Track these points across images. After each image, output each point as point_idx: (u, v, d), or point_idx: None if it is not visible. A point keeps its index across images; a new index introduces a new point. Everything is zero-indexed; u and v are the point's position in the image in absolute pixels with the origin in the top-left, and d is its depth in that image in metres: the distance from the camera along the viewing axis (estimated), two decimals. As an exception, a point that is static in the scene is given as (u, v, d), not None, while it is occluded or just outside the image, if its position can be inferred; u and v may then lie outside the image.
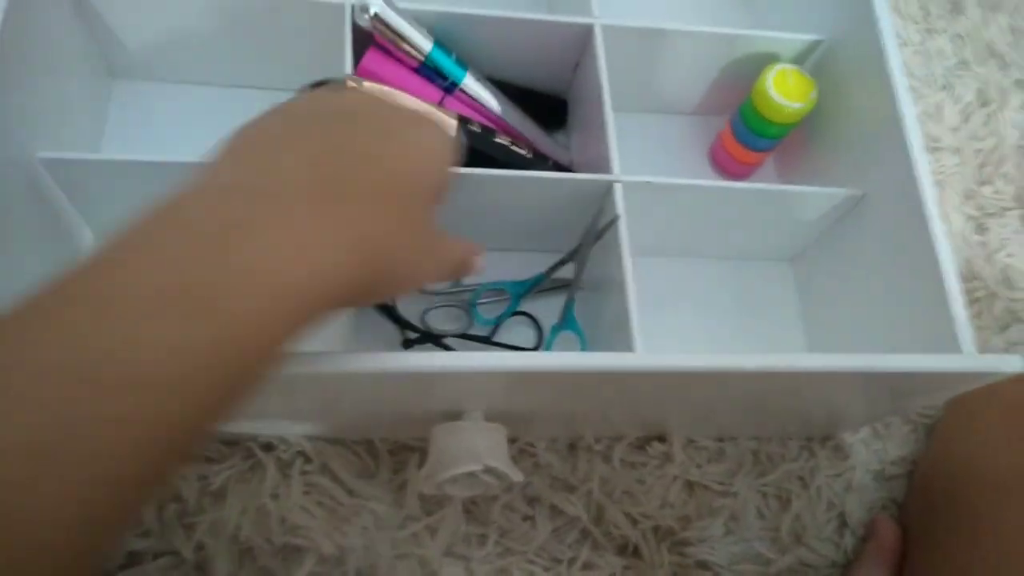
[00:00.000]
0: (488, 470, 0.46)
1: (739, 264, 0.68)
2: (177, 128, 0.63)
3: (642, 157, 0.66)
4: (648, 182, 0.56)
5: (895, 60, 0.56)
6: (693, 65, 0.66)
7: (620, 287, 0.52)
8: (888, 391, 0.53)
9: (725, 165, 0.70)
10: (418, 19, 0.57)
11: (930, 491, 0.61)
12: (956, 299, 0.50)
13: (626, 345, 0.50)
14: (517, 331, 0.63)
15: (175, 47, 0.61)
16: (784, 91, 0.61)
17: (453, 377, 0.43)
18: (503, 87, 0.65)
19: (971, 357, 0.47)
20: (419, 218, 0.35)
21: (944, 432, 0.64)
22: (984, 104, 0.79)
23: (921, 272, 0.52)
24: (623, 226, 0.54)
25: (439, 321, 0.61)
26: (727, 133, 0.68)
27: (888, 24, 0.57)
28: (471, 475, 0.47)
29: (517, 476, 0.47)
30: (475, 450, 0.46)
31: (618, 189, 0.55)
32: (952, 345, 0.49)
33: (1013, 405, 0.57)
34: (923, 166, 0.53)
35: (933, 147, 0.77)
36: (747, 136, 0.66)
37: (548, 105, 0.68)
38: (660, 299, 0.65)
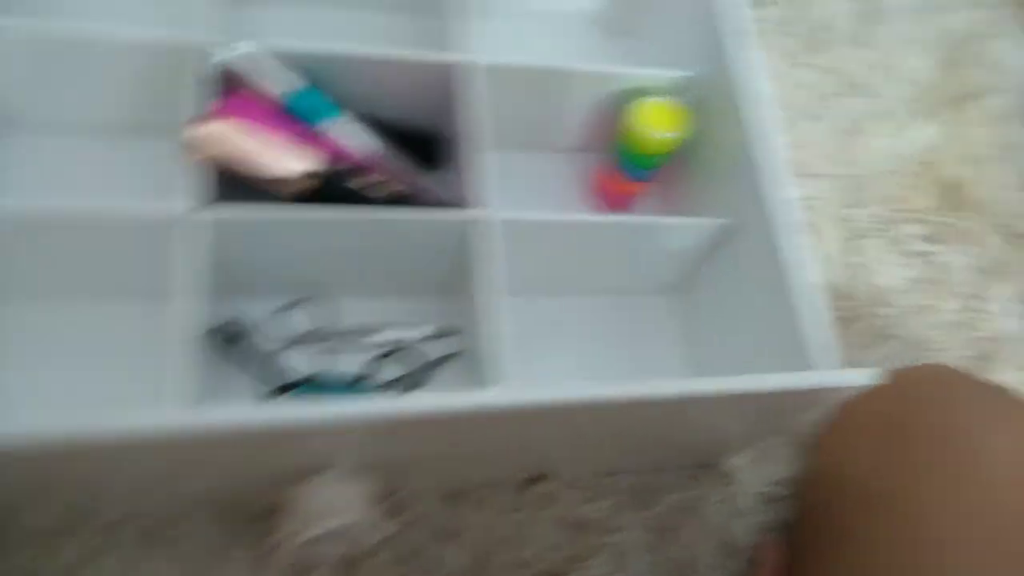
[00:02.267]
0: (344, 528, 0.44)
1: (619, 298, 0.69)
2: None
3: (520, 194, 0.66)
4: (516, 219, 0.55)
5: (758, 94, 0.58)
6: (568, 102, 0.67)
7: (486, 327, 0.52)
8: (753, 413, 0.54)
9: (607, 197, 0.71)
10: (288, 58, 0.56)
11: (809, 509, 0.62)
12: (812, 321, 0.52)
13: (487, 384, 0.49)
14: (396, 366, 0.61)
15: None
16: (656, 122, 0.63)
17: (295, 431, 0.41)
18: (380, 125, 0.64)
19: (817, 374, 0.49)
20: None
21: (819, 450, 0.65)
22: (851, 132, 0.83)
23: (785, 297, 0.54)
24: (488, 265, 0.53)
25: (299, 363, 0.59)
26: (607, 165, 0.69)
27: (750, 59, 0.59)
28: (332, 534, 0.45)
29: (380, 532, 0.45)
30: (327, 509, 0.44)
31: (485, 227, 0.54)
32: (810, 364, 0.51)
33: (877, 421, 0.58)
34: (787, 194, 0.55)
35: (805, 174, 0.80)
36: (626, 167, 0.67)
37: (427, 142, 0.68)
38: (539, 339, 0.64)
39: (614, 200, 0.71)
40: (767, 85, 0.59)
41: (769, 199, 0.55)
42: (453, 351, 0.63)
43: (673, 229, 0.61)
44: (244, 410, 0.39)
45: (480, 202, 0.55)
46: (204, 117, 0.51)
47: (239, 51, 0.53)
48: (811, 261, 0.53)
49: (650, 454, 0.61)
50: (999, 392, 0.57)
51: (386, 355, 0.62)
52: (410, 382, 0.61)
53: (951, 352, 0.74)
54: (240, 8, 0.70)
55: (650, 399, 0.45)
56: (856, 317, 0.74)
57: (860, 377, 0.48)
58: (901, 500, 0.54)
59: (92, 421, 0.36)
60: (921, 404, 0.56)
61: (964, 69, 0.89)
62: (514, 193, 0.68)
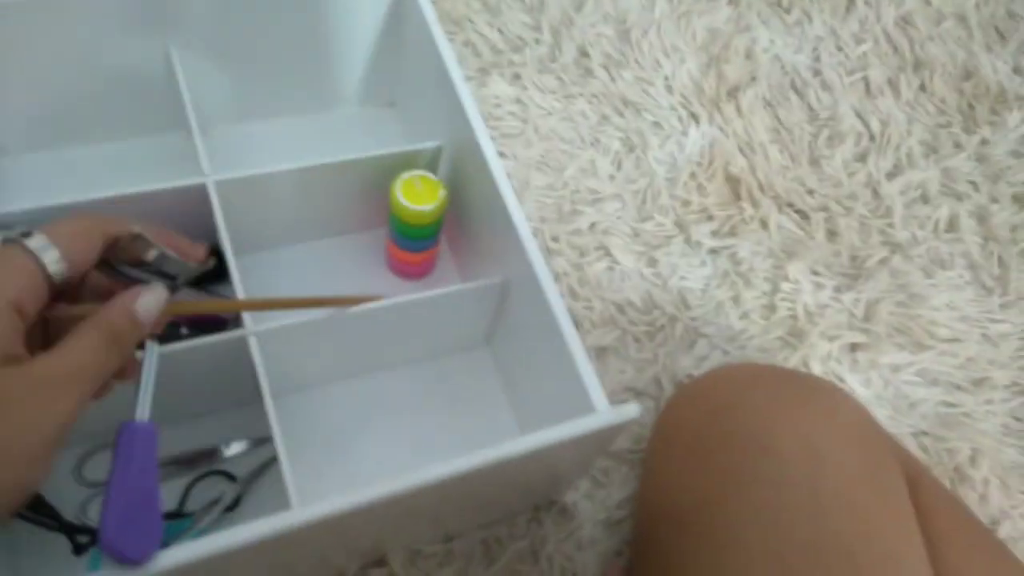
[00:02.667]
0: None
1: (432, 363, 0.70)
2: None
3: (318, 284, 0.69)
4: (277, 327, 0.56)
5: (492, 158, 0.60)
6: (332, 192, 0.68)
7: (277, 445, 0.52)
8: (557, 458, 0.56)
9: (400, 270, 0.73)
10: (38, 212, 0.56)
11: (644, 529, 0.64)
12: (584, 365, 0.54)
13: (285, 502, 0.50)
14: (212, 488, 0.61)
15: None
16: (413, 197, 0.64)
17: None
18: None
19: (596, 416, 0.50)
20: None
21: (645, 468, 0.67)
22: (631, 150, 0.87)
23: (557, 344, 0.56)
24: (262, 373, 0.54)
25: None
26: (390, 242, 0.71)
27: (480, 126, 0.62)
28: None
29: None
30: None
31: (253, 343, 0.55)
32: (591, 403, 0.53)
33: (683, 433, 0.61)
34: (532, 247, 0.57)
35: (594, 199, 0.83)
36: (403, 241, 0.69)
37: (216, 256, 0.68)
38: (357, 423, 0.65)
39: (407, 271, 0.73)
40: (493, 150, 0.61)
41: (522, 254, 0.58)
42: (272, 457, 0.63)
43: (454, 296, 0.63)
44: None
45: (239, 318, 0.56)
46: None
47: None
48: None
49: (490, 508, 0.62)
50: (793, 382, 0.60)
51: (201, 479, 0.61)
52: (231, 500, 0.61)
53: (763, 338, 0.78)
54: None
55: (438, 479, 0.45)
56: (668, 325, 0.77)
57: (633, 411, 0.50)
58: (707, 511, 0.55)
59: None
60: (720, 409, 0.58)
61: (724, 65, 0.95)
62: (312, 284, 0.69)
